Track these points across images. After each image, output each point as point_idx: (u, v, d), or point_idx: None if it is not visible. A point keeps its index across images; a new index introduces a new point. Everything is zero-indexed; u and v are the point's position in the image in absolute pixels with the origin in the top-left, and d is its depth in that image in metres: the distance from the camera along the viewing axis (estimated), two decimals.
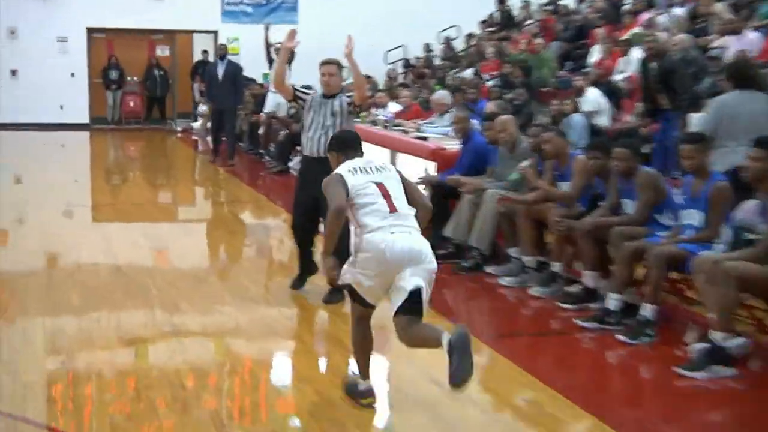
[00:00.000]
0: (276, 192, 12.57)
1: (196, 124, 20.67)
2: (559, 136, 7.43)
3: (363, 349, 4.70)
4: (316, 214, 6.59)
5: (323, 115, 6.88)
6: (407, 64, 20.41)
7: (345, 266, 4.50)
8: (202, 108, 19.58)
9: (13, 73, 20.99)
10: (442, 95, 11.61)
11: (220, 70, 15.22)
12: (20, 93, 20.58)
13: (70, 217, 10.75)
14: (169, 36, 22.83)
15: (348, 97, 6.91)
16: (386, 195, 4.50)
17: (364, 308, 4.60)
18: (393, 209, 4.46)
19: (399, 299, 4.36)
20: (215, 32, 21.58)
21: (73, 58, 21.25)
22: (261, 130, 15.84)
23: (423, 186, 8.92)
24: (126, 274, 7.61)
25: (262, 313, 6.62)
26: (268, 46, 15.93)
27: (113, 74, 22.23)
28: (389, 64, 20.78)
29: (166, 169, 16.32)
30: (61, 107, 21.19)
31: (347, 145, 4.88)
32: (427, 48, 20.23)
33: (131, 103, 22.77)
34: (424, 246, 4.45)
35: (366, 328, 4.66)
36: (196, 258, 8.77)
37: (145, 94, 22.73)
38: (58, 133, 20.14)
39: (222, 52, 15.72)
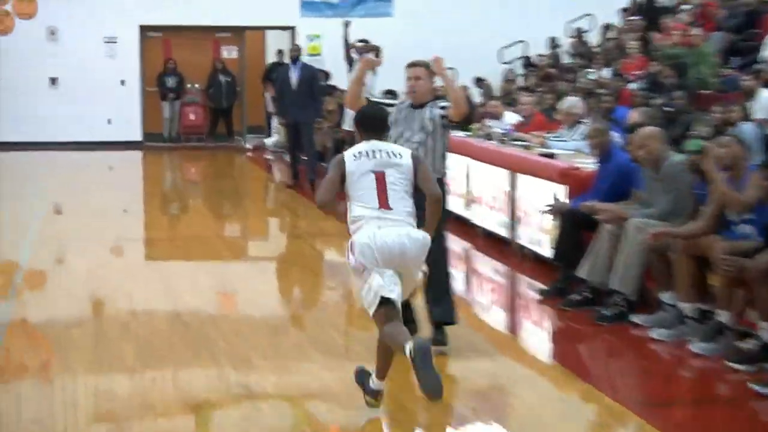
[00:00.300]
0: None
1: (270, 141, 20.98)
2: (738, 143, 7.30)
3: (387, 350, 5.44)
4: None
5: (411, 129, 6.97)
6: (528, 64, 20.35)
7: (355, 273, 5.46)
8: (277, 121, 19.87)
9: (53, 81, 21.68)
10: (572, 102, 11.52)
11: (294, 76, 15.44)
12: (61, 105, 21.21)
13: (119, 255, 11.02)
14: (238, 34, 23.29)
15: (441, 108, 6.94)
16: (381, 188, 5.43)
17: (386, 310, 5.32)
18: (383, 205, 5.41)
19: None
20: (292, 28, 21.93)
21: (123, 63, 21.84)
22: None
23: (551, 216, 8.88)
24: (187, 323, 7.75)
25: (352, 371, 6.63)
26: (347, 45, 16.09)
27: (170, 81, 22.70)
28: (505, 63, 20.77)
29: (234, 195, 16.58)
30: (109, 121, 21.77)
31: (370, 124, 5.74)
32: (553, 43, 20.13)
33: (192, 116, 23.19)
34: (413, 236, 5.38)
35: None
36: (271, 304, 8.87)
37: (209, 104, 23.10)
38: (105, 153, 20.70)
39: (295, 54, 15.95)
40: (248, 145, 22.17)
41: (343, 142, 16.28)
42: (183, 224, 13.81)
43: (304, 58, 16.47)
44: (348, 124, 15.78)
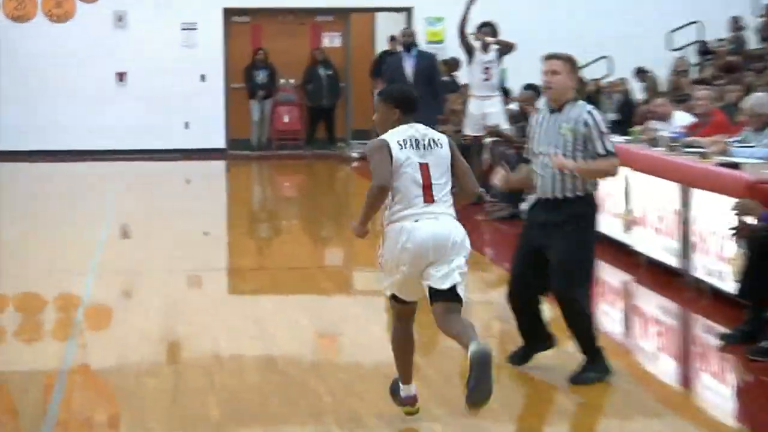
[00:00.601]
0: (502, 248, 12.59)
1: None
2: None
3: (403, 349, 6.40)
4: (537, 277, 7.22)
5: (548, 136, 7.10)
6: (704, 50, 20.11)
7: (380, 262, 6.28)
8: None
9: (121, 77, 22.16)
10: (761, 98, 11.36)
11: (408, 66, 15.46)
12: (130, 106, 21.70)
13: (199, 287, 11.21)
14: (341, 17, 23.49)
15: (589, 113, 7.02)
16: (426, 180, 6.10)
17: (402, 306, 6.33)
18: (428, 199, 6.12)
19: (433, 293, 6.11)
20: (408, 10, 22.05)
21: (203, 54, 22.26)
22: (484, 155, 15.89)
23: (737, 241, 8.75)
24: (283, 371, 7.81)
25: (485, 429, 6.61)
26: (463, 27, 15.65)
27: (260, 76, 22.95)
28: (675, 50, 20.54)
29: (337, 214, 16.67)
30: (187, 125, 22.17)
31: (407, 102, 6.28)
32: (736, 24, 19.86)
33: (286, 118, 23.42)
34: (452, 230, 6.17)
35: (407, 327, 6.41)
36: (383, 348, 8.84)
37: (306, 104, 23.32)
38: (182, 164, 21.09)
39: (409, 40, 15.97)
40: (354, 154, 22.17)
41: (468, 149, 16.25)
42: (275, 250, 13.95)
43: (422, 47, 16.43)
44: (470, 128, 15.72)
